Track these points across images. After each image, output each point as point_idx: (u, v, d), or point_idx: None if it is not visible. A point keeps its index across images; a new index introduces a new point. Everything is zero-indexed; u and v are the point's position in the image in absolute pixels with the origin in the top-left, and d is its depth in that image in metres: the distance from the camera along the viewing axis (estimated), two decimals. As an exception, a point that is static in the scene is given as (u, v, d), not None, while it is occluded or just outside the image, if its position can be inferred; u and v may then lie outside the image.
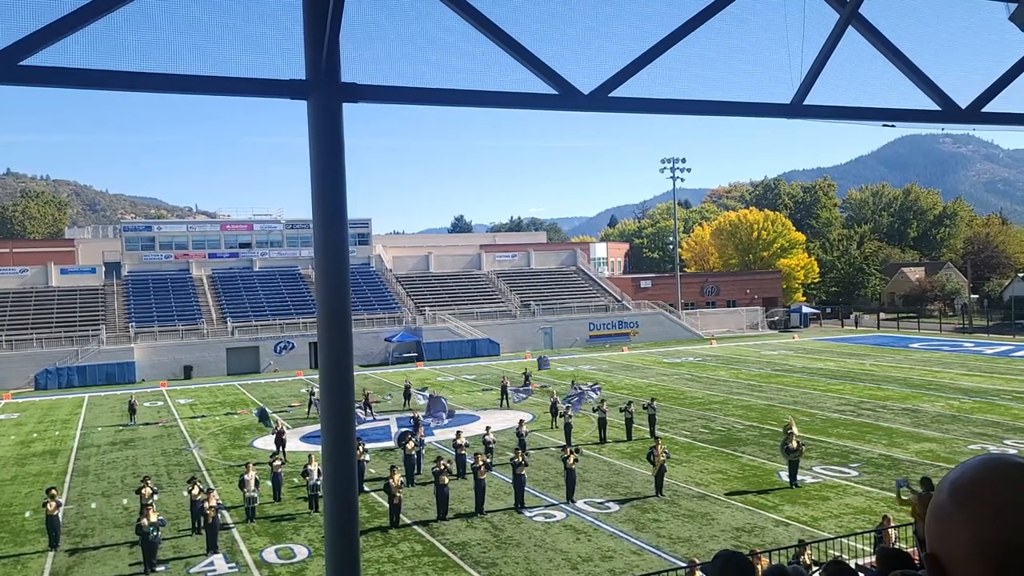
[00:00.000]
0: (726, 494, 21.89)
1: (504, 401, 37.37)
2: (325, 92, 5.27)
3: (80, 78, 4.79)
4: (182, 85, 5.07)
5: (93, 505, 23.35)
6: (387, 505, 20.56)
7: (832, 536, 16.95)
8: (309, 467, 21.92)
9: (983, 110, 7.00)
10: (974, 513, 1.33)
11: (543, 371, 48.00)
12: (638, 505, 21.25)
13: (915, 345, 57.88)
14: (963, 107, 6.95)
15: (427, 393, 31.55)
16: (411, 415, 30.22)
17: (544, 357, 44.84)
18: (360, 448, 22.41)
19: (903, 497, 16.26)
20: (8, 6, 4.63)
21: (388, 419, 34.33)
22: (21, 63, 4.62)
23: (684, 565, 14.40)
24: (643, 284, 75.91)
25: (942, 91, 6.85)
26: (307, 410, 36.98)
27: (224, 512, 21.11)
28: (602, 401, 30.53)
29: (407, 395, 37.93)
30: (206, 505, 19.02)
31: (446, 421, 29.26)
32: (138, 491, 20.57)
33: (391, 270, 71.12)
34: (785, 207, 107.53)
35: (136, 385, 50.62)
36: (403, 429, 28.51)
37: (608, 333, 66.27)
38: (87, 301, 59.94)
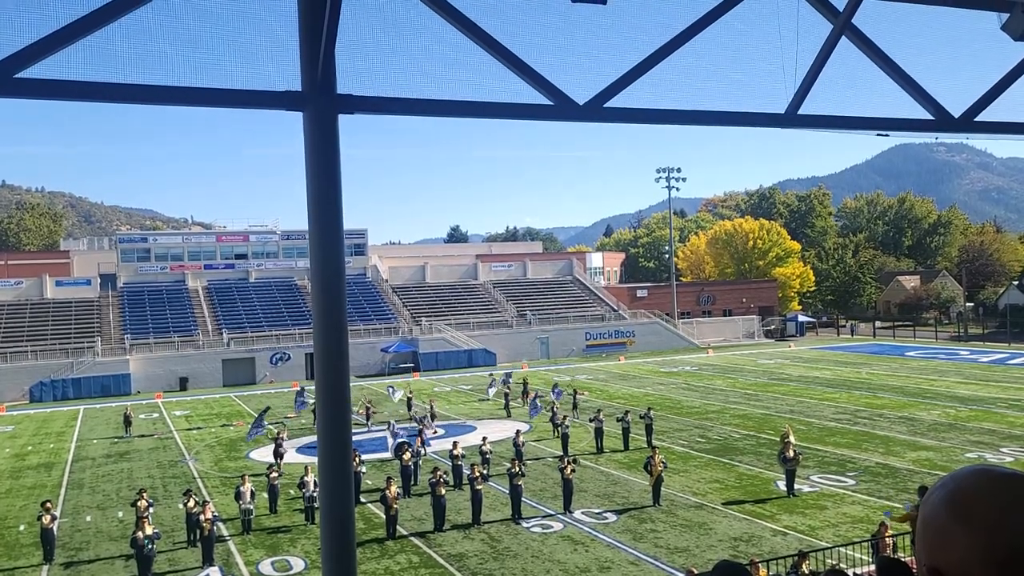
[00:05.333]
0: (723, 504, 21.85)
1: (506, 410, 37.46)
2: (321, 103, 5.28)
3: (76, 90, 4.79)
4: (178, 97, 5.07)
5: (88, 518, 23.23)
6: (384, 516, 20.48)
7: (830, 545, 16.93)
8: (305, 478, 21.84)
9: (976, 119, 7.04)
10: (974, 521, 1.35)
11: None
12: (636, 515, 21.21)
13: (911, 353, 57.96)
14: (956, 116, 6.99)
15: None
16: (413, 425, 30.26)
17: (507, 375, 44.91)
18: (356, 459, 22.34)
19: (895, 516, 16.28)
20: (3, 19, 4.63)
21: (385, 430, 34.26)
22: (17, 75, 4.62)
23: (682, 575, 14.36)
24: (639, 293, 76.00)
25: (935, 101, 6.89)
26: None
27: (220, 524, 21.01)
28: (598, 411, 30.51)
29: (409, 406, 37.91)
30: (202, 517, 18.93)
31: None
32: (133, 504, 20.47)
33: (387, 280, 71.11)
34: (780, 216, 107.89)
35: (131, 397, 50.45)
36: (400, 440, 28.42)
37: (604, 343, 66.27)
38: (82, 313, 59.79)
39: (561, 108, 5.85)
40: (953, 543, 1.36)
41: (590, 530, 20.13)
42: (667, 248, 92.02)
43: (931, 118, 6.94)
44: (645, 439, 29.09)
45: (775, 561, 15.14)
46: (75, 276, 66.14)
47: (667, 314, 71.67)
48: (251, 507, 21.19)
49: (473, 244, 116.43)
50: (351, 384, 6.00)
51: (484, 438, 26.61)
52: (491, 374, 42.63)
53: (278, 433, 30.15)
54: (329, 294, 5.51)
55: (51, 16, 4.63)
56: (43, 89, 4.73)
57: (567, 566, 17.71)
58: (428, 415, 33.59)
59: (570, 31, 5.97)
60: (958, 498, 1.38)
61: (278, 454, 27.51)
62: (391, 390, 40.18)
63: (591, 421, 29.89)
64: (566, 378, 50.31)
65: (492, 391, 40.78)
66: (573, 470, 22.36)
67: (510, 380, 42.32)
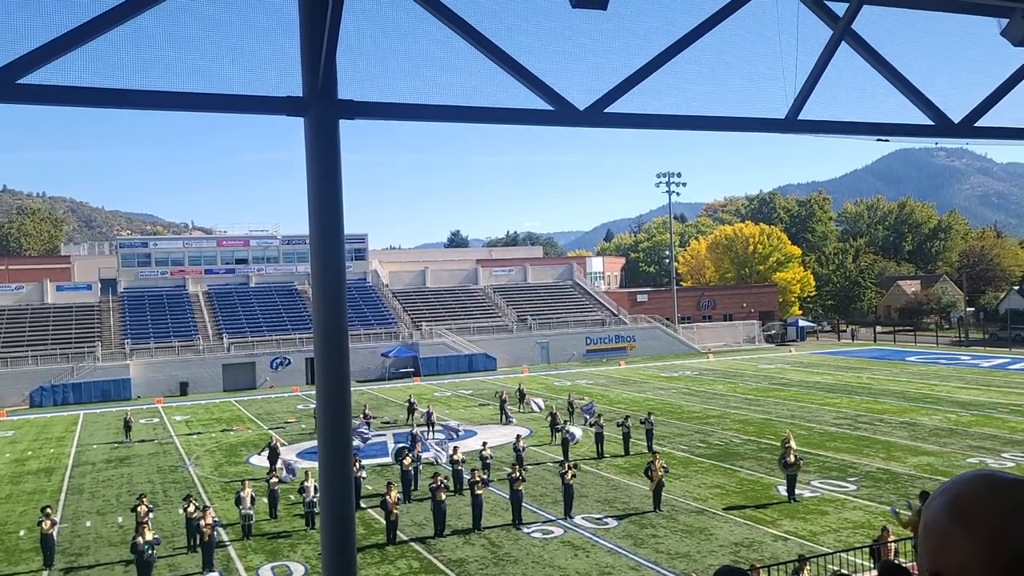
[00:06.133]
0: (724, 509, 21.82)
1: (503, 417, 37.30)
2: (322, 109, 5.29)
3: (78, 96, 4.80)
4: (180, 102, 5.08)
5: (88, 523, 23.19)
6: (384, 522, 20.45)
7: (831, 550, 16.90)
8: (306, 484, 21.82)
9: (976, 124, 7.04)
10: (976, 526, 1.35)
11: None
12: (636, 520, 21.17)
13: (912, 358, 57.91)
14: (956, 121, 6.99)
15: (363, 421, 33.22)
16: (409, 431, 30.19)
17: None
18: (356, 464, 22.31)
19: (902, 519, 16.20)
20: (6, 25, 4.65)
21: (385, 435, 34.26)
22: (19, 81, 4.63)
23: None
24: (640, 298, 75.97)
25: (935, 106, 6.90)
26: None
27: (220, 530, 20.98)
28: (599, 415, 30.47)
29: (411, 410, 37.84)
30: (202, 523, 18.90)
31: (362, 446, 28.19)
32: (133, 509, 20.44)
33: (387, 285, 71.10)
34: (780, 221, 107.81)
35: (132, 402, 50.41)
36: (400, 445, 28.41)
37: (605, 347, 66.23)
38: (83, 318, 59.79)
39: (562, 113, 5.86)
40: (955, 547, 1.36)
41: (591, 535, 20.09)
42: (667, 253, 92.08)
43: (931, 123, 6.95)
44: (646, 444, 29.05)
45: (776, 566, 15.11)
46: (76, 281, 66.09)
47: (667, 319, 71.66)
48: (251, 512, 21.16)
49: (473, 249, 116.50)
50: (351, 389, 6.00)
51: (485, 443, 26.58)
52: (500, 395, 40.14)
53: (272, 439, 30.14)
54: (330, 299, 5.51)
55: (53, 22, 4.65)
56: (45, 95, 4.75)
57: (567, 572, 17.68)
58: (430, 427, 33.36)
59: (571, 36, 5.99)
60: (960, 503, 1.39)
61: (274, 459, 27.42)
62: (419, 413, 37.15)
63: (591, 426, 29.85)
64: (567, 383, 50.32)
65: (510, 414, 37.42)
66: (574, 475, 22.33)
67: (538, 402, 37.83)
